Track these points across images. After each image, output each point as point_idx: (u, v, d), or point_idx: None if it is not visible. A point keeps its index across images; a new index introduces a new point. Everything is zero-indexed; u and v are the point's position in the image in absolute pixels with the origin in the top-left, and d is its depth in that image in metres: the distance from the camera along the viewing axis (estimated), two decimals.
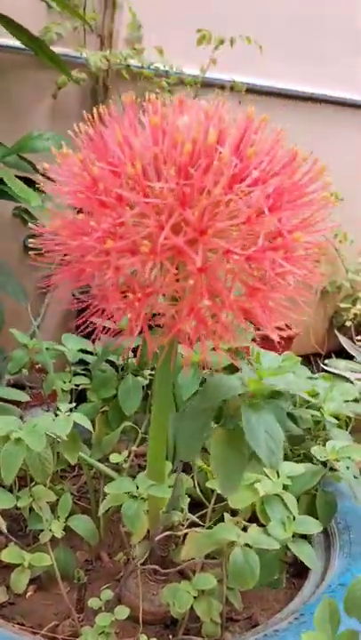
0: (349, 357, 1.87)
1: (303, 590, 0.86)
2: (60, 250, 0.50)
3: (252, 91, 2.01)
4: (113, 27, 1.74)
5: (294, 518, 0.76)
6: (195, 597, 0.74)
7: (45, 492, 0.87)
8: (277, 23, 2.03)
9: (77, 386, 1.14)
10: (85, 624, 0.77)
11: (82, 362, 1.20)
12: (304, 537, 0.82)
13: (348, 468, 0.91)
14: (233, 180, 0.44)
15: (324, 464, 0.95)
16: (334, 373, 1.41)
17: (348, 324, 2.53)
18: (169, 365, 0.60)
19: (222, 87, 1.82)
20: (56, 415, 0.83)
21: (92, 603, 0.75)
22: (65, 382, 1.13)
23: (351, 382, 1.37)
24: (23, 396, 1.00)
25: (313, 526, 0.75)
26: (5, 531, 0.83)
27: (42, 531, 0.83)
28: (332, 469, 0.95)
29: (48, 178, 1.49)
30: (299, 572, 0.93)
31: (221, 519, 0.79)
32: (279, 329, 0.52)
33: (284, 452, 0.68)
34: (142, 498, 0.72)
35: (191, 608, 0.75)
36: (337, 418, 1.12)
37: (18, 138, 1.61)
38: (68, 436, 0.78)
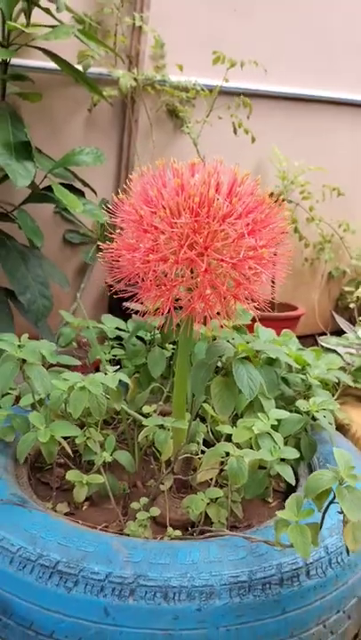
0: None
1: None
2: (119, 261, 0.78)
3: (263, 96, 2.25)
4: (140, 48, 2.00)
5: (279, 448, 1.04)
6: (207, 504, 1.03)
7: (96, 434, 1.17)
8: (287, 35, 2.27)
9: (115, 356, 1.43)
10: (129, 522, 1.06)
11: (117, 338, 1.49)
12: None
13: (325, 416, 1.19)
14: (225, 216, 0.71)
15: (309, 415, 1.22)
16: (328, 348, 1.68)
17: (351, 305, 2.79)
18: (188, 337, 0.89)
19: (240, 96, 2.06)
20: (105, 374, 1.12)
21: (134, 505, 1.04)
22: (106, 353, 1.42)
23: (341, 355, 1.65)
24: (75, 361, 1.28)
25: (292, 454, 1.03)
26: (71, 454, 1.12)
27: (93, 463, 1.12)
28: (314, 419, 1.23)
29: (86, 184, 1.82)
30: (287, 496, 1.21)
31: None
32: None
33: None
34: (168, 429, 1.01)
35: (205, 517, 1.04)
36: (326, 384, 1.40)
37: (59, 146, 1.90)
38: (115, 388, 1.07)
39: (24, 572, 0.90)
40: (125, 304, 1.39)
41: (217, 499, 1.05)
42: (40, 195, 1.57)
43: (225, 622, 0.86)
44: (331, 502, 0.86)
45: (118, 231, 0.79)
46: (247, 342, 0.96)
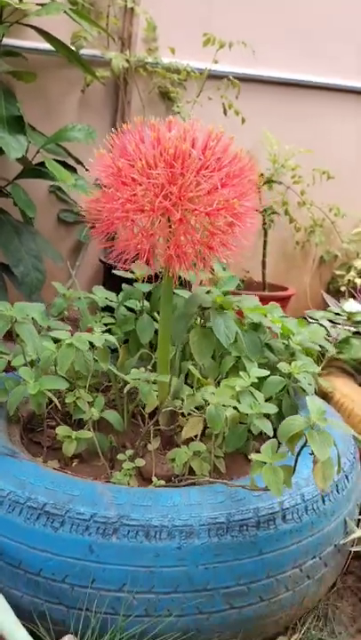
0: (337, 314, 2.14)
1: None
2: (98, 211, 0.83)
3: (253, 80, 2.29)
4: (132, 30, 2.04)
5: (259, 404, 1.09)
6: (191, 457, 1.08)
7: (85, 395, 1.22)
8: (275, 21, 2.30)
9: (106, 325, 1.48)
10: (115, 472, 1.11)
11: (107, 309, 1.53)
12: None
13: (305, 378, 1.24)
14: (199, 168, 0.75)
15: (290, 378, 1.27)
16: (313, 319, 1.72)
17: (342, 289, 2.83)
18: (168, 290, 0.93)
19: (229, 80, 2.10)
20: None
21: (120, 456, 1.09)
22: (96, 322, 1.46)
23: (326, 328, 1.69)
24: (65, 327, 1.33)
25: (271, 409, 1.08)
26: (60, 407, 1.17)
27: (83, 423, 1.17)
28: (295, 381, 1.27)
29: (78, 161, 1.87)
30: None
31: None
32: None
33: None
34: (153, 382, 1.05)
35: (189, 471, 1.09)
36: (310, 354, 1.44)
37: (52, 126, 1.94)
38: (101, 347, 1.12)
39: (13, 514, 0.95)
40: (114, 271, 1.44)
41: (200, 452, 1.10)
42: (33, 170, 1.62)
43: (204, 560, 0.91)
44: (303, 446, 0.90)
45: (99, 183, 0.83)
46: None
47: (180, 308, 1.04)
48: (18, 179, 1.64)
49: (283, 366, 1.25)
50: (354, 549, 1.10)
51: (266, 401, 1.13)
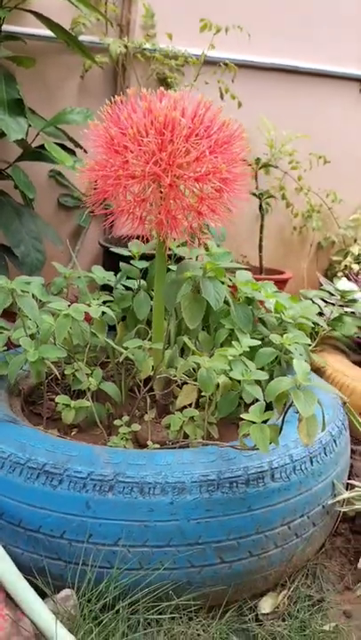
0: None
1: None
2: (93, 177, 0.87)
3: (251, 66, 2.32)
4: (130, 17, 2.07)
5: (250, 371, 1.13)
6: (185, 422, 1.12)
7: (84, 367, 1.26)
8: (272, 8, 2.33)
9: (104, 302, 1.52)
10: (112, 436, 1.15)
11: (106, 288, 1.57)
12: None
13: (296, 349, 1.28)
14: (188, 136, 0.79)
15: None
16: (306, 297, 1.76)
17: (339, 274, 2.86)
18: (161, 256, 0.97)
19: (225, 64, 2.13)
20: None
21: (116, 422, 1.14)
22: (95, 299, 1.51)
23: (319, 306, 1.73)
24: (65, 303, 1.37)
25: (261, 375, 1.12)
26: (59, 376, 1.21)
27: (82, 394, 1.21)
28: (286, 353, 1.31)
29: (77, 144, 1.91)
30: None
31: None
32: None
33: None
34: (147, 349, 1.10)
35: (183, 437, 1.13)
36: (303, 330, 1.48)
37: (52, 110, 1.98)
38: (98, 319, 1.16)
39: (14, 474, 0.99)
40: (112, 249, 1.48)
41: (194, 418, 1.14)
42: (33, 152, 1.66)
43: (195, 515, 0.96)
44: (290, 406, 0.94)
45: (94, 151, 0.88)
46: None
47: (173, 275, 1.07)
48: (18, 161, 1.68)
49: (275, 338, 1.29)
50: (342, 510, 1.14)
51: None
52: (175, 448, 1.08)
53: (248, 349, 1.18)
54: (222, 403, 1.13)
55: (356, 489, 1.18)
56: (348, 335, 1.67)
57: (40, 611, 0.88)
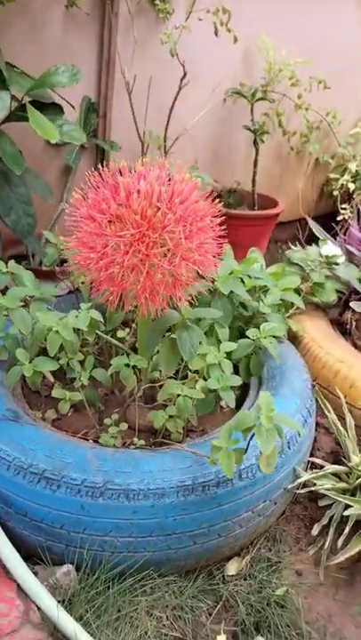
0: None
1: (238, 414, 1.39)
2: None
3: None
4: None
5: (226, 377, 1.26)
6: (167, 419, 1.27)
7: (77, 355, 1.38)
8: None
9: None
10: (103, 432, 1.32)
11: None
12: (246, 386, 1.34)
13: (270, 343, 1.39)
14: (163, 227, 0.84)
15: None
16: (294, 263, 1.82)
17: (335, 193, 2.85)
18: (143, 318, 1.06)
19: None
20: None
21: (106, 421, 1.29)
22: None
23: (304, 269, 1.80)
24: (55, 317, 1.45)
25: (235, 381, 1.25)
26: (52, 379, 1.35)
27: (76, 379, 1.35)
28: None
29: (66, 102, 1.84)
30: (240, 404, 1.46)
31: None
32: None
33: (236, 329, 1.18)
34: (133, 366, 1.22)
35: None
36: (285, 305, 1.58)
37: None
38: (88, 326, 1.26)
39: (18, 477, 1.16)
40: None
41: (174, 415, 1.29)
42: (17, 115, 1.62)
43: (173, 514, 1.14)
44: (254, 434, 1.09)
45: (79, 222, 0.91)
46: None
47: (153, 324, 1.15)
48: (3, 124, 1.65)
49: (251, 333, 1.40)
50: (300, 492, 1.33)
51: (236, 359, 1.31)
52: (157, 450, 1.24)
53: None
54: (200, 405, 1.27)
55: (315, 470, 1.36)
56: (327, 302, 1.76)
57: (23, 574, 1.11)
